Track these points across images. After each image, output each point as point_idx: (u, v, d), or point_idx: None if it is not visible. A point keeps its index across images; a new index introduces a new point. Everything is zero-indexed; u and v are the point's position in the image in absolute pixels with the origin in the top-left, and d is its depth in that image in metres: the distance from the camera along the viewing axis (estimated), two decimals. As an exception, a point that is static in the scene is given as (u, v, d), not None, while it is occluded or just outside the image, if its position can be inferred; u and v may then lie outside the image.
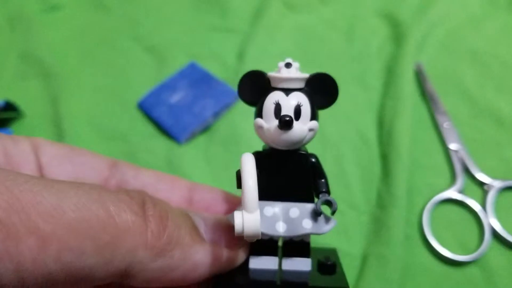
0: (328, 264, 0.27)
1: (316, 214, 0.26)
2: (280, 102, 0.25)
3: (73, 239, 0.19)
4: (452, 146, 0.50)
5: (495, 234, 0.44)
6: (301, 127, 0.25)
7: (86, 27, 0.67)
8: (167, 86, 0.57)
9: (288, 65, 0.25)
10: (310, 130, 0.25)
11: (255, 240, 0.23)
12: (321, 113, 0.54)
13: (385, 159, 0.49)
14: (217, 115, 0.54)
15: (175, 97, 0.56)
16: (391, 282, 0.42)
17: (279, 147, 0.26)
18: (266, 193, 0.25)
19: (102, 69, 0.62)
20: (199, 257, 0.24)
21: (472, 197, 0.46)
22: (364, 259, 0.44)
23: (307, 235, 0.26)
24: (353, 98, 0.56)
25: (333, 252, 0.30)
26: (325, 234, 0.26)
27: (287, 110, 0.25)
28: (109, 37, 0.65)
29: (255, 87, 0.26)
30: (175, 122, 0.53)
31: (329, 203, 0.25)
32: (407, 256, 0.44)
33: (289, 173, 0.26)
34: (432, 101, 0.54)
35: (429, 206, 0.46)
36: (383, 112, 0.53)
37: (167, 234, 0.22)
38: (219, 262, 0.25)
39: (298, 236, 0.26)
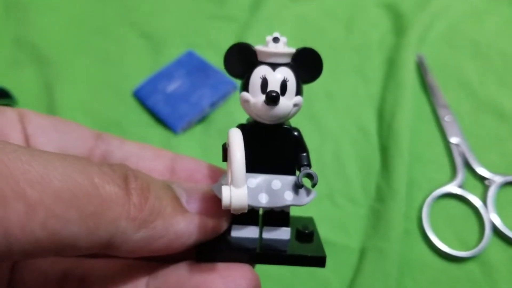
0: (306, 233, 0.28)
1: (297, 187, 0.26)
2: (267, 77, 0.25)
3: (59, 207, 0.19)
4: (453, 140, 0.49)
5: (496, 230, 0.44)
6: (287, 103, 0.25)
7: (81, 13, 0.65)
8: (164, 75, 0.56)
9: (275, 40, 0.25)
10: (295, 105, 0.25)
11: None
12: (320, 105, 0.54)
13: (385, 152, 0.49)
14: (214, 105, 0.53)
15: (172, 86, 0.55)
16: (389, 276, 0.41)
17: (264, 121, 0.26)
18: (250, 165, 0.25)
19: (97, 56, 0.61)
20: (181, 226, 0.24)
21: (473, 192, 0.46)
22: (363, 253, 0.43)
23: (288, 206, 0.27)
24: (353, 90, 0.55)
25: (310, 220, 0.31)
26: (305, 205, 0.26)
27: (274, 85, 0.25)
28: (105, 24, 0.64)
29: (242, 60, 0.26)
30: (171, 111, 0.52)
31: (310, 176, 0.26)
32: (406, 250, 0.43)
33: (273, 146, 0.27)
34: (433, 94, 0.53)
35: (429, 200, 0.45)
36: (384, 104, 0.52)
37: (149, 206, 0.23)
38: (201, 231, 0.25)
39: (279, 207, 0.27)
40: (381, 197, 0.46)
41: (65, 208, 0.19)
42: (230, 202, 0.22)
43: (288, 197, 0.26)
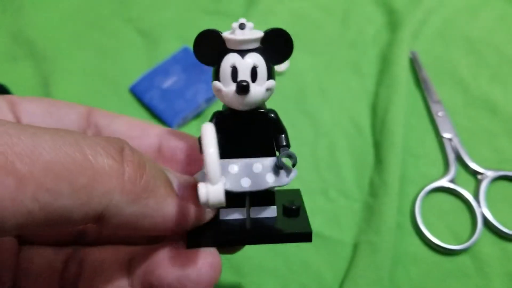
0: (293, 208, 0.28)
1: (277, 168, 0.27)
2: (236, 65, 0.25)
3: (50, 180, 0.19)
4: (446, 135, 0.49)
5: (487, 224, 0.44)
6: (258, 89, 0.25)
7: (77, 8, 0.66)
8: (160, 71, 0.56)
9: (242, 26, 0.25)
10: (268, 90, 0.26)
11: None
12: (314, 100, 0.54)
13: (378, 147, 0.49)
14: (209, 100, 0.54)
15: (168, 82, 0.55)
16: (382, 270, 0.42)
17: (238, 109, 0.26)
18: (230, 151, 0.27)
19: (93, 51, 0.61)
20: (170, 209, 0.25)
21: (465, 186, 0.46)
22: (356, 247, 0.44)
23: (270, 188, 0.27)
24: (347, 85, 0.56)
25: (296, 193, 0.31)
26: (287, 184, 0.27)
27: (244, 72, 0.25)
28: (101, 20, 0.64)
29: (211, 48, 0.26)
30: (167, 107, 0.53)
31: (289, 156, 0.26)
32: (399, 244, 0.44)
33: (250, 130, 0.27)
34: (427, 90, 0.53)
35: (421, 195, 0.46)
36: (377, 100, 0.53)
37: (144, 181, 0.23)
38: (188, 217, 0.26)
39: (264, 189, 0.27)
40: (374, 192, 0.46)
41: (56, 180, 0.19)
42: (207, 199, 0.22)
43: (270, 179, 0.26)
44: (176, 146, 0.31)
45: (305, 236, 0.27)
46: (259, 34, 0.25)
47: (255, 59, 0.25)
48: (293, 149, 0.49)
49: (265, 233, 0.27)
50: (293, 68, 0.56)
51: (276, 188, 0.29)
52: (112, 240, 0.31)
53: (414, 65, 0.56)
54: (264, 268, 0.43)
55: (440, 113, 0.51)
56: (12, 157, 0.18)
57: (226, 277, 0.43)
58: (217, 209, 0.28)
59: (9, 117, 0.27)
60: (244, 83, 0.24)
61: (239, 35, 0.25)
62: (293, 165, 0.26)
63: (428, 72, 0.55)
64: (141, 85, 0.55)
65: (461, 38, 0.58)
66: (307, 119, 0.53)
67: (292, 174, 0.27)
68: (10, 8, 0.65)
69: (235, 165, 0.27)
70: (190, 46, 0.58)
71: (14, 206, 0.18)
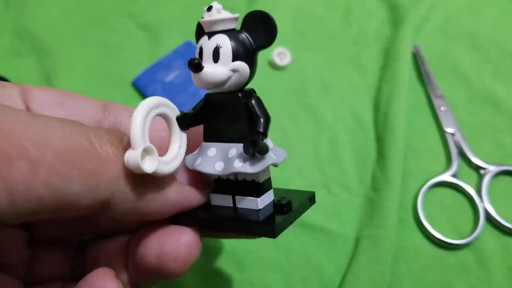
0: (278, 204, 0.27)
1: (248, 155, 0.25)
2: (203, 46, 0.26)
3: (61, 165, 0.20)
4: (448, 130, 0.49)
5: (489, 219, 0.44)
6: (216, 69, 0.25)
7: (80, 4, 0.66)
8: (162, 65, 0.56)
9: (208, 9, 0.25)
10: (234, 71, 0.25)
11: (160, 175, 0.24)
12: (316, 95, 0.54)
13: (381, 142, 0.49)
14: (212, 95, 0.54)
15: (170, 76, 0.55)
16: (384, 264, 0.41)
17: (204, 88, 0.27)
18: (213, 134, 0.27)
19: (96, 46, 0.61)
20: (171, 193, 0.26)
21: (467, 181, 0.46)
22: (357, 241, 0.44)
23: (257, 175, 0.26)
24: (349, 80, 0.56)
25: (305, 194, 0.30)
26: (256, 173, 0.25)
27: (207, 53, 0.25)
28: (103, 15, 0.64)
29: (200, 33, 0.27)
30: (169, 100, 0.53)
31: (253, 143, 0.24)
32: (400, 239, 0.44)
33: (228, 114, 0.27)
34: (429, 84, 0.53)
35: (423, 189, 0.46)
36: (379, 95, 0.53)
37: None
38: (187, 200, 0.27)
39: (231, 174, 0.26)
40: (376, 186, 0.46)
41: (66, 166, 0.20)
42: (127, 163, 0.23)
43: (236, 164, 0.25)
44: (192, 138, 0.31)
45: (267, 231, 0.25)
46: (226, 15, 0.26)
47: (219, 40, 0.25)
48: (294, 144, 0.50)
49: (235, 224, 0.26)
50: (295, 63, 0.56)
51: (292, 188, 0.29)
52: (115, 231, 0.31)
53: (417, 60, 0.56)
54: (266, 262, 0.43)
55: (442, 108, 0.51)
56: (25, 143, 0.19)
57: (227, 270, 0.43)
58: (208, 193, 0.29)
59: (18, 103, 0.27)
60: (195, 61, 0.24)
61: (206, 17, 0.26)
62: (258, 152, 0.24)
63: (430, 67, 0.55)
64: (144, 79, 0.55)
65: (463, 33, 0.58)
66: (309, 114, 0.53)
67: (265, 162, 0.25)
68: (14, 3, 0.66)
69: (214, 148, 0.27)
70: (193, 40, 0.58)
71: (26, 190, 0.19)
